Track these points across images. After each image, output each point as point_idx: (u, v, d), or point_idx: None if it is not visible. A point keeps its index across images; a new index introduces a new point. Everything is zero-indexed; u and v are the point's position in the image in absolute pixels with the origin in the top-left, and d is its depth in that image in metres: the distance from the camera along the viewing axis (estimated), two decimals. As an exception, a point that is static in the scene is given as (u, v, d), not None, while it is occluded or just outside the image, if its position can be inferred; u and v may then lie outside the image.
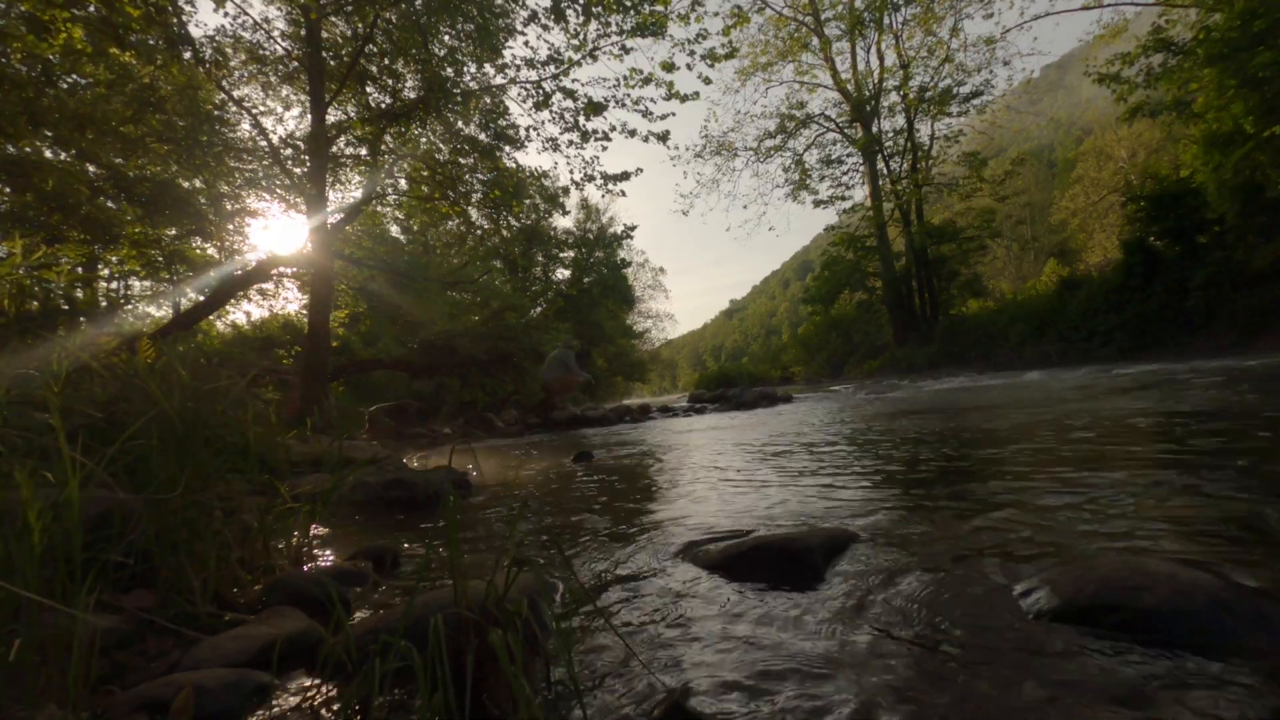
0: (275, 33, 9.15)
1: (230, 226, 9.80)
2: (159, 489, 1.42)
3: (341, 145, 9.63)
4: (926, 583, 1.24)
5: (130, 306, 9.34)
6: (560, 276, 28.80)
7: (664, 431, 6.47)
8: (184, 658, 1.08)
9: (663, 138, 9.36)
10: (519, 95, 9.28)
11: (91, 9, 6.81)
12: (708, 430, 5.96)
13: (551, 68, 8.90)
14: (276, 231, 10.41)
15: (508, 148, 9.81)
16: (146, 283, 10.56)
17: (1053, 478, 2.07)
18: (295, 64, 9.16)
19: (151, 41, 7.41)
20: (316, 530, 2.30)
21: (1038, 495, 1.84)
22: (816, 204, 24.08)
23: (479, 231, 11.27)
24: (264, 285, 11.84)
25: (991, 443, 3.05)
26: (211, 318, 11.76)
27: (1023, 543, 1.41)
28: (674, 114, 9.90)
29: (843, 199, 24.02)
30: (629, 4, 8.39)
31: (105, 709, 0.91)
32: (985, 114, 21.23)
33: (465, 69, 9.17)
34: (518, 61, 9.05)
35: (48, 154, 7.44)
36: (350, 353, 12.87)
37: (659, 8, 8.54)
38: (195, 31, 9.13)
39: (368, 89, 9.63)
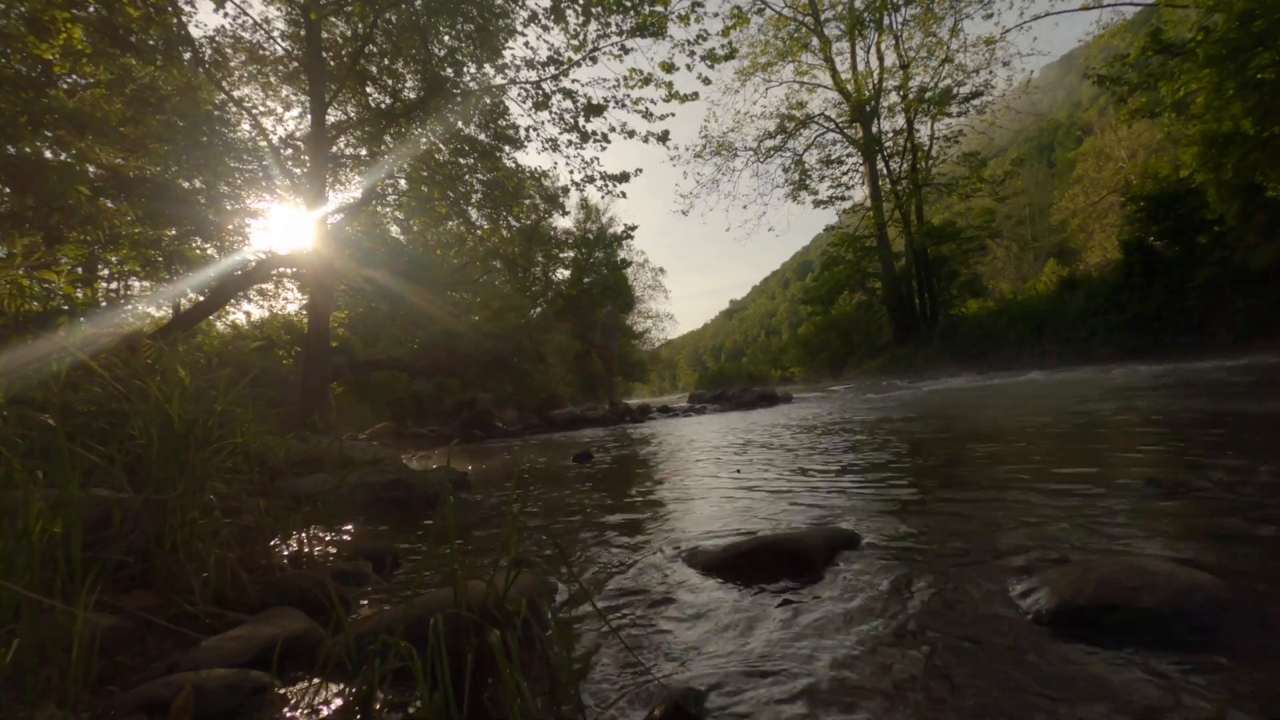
0: (275, 33, 9.16)
1: (230, 226, 9.79)
2: (158, 489, 1.42)
3: (341, 145, 9.63)
4: (926, 583, 1.24)
5: (130, 307, 9.32)
6: (560, 276, 28.77)
7: (664, 431, 6.46)
8: (184, 658, 1.08)
9: (662, 138, 9.36)
10: (519, 96, 9.28)
11: (91, 9, 6.81)
12: (708, 430, 5.96)
13: (551, 68, 8.90)
14: (276, 231, 10.41)
15: (507, 148, 9.81)
16: (146, 283, 10.55)
17: (1052, 478, 2.07)
18: (295, 64, 9.16)
19: (151, 42, 7.41)
20: (316, 530, 2.30)
21: (1037, 496, 1.84)
22: (816, 204, 24.08)
23: (479, 232, 11.26)
24: (264, 285, 11.84)
25: (991, 443, 3.05)
26: (211, 318, 11.75)
27: (1022, 543, 1.41)
28: (674, 114, 9.90)
29: (843, 199, 24.02)
30: (629, 4, 8.38)
31: (105, 709, 0.91)
32: (985, 114, 21.23)
33: (465, 69, 9.17)
34: (517, 62, 9.06)
35: (47, 154, 7.43)
36: (350, 353, 12.85)
37: (659, 8, 8.54)
38: (195, 32, 9.13)
39: (368, 89, 9.63)
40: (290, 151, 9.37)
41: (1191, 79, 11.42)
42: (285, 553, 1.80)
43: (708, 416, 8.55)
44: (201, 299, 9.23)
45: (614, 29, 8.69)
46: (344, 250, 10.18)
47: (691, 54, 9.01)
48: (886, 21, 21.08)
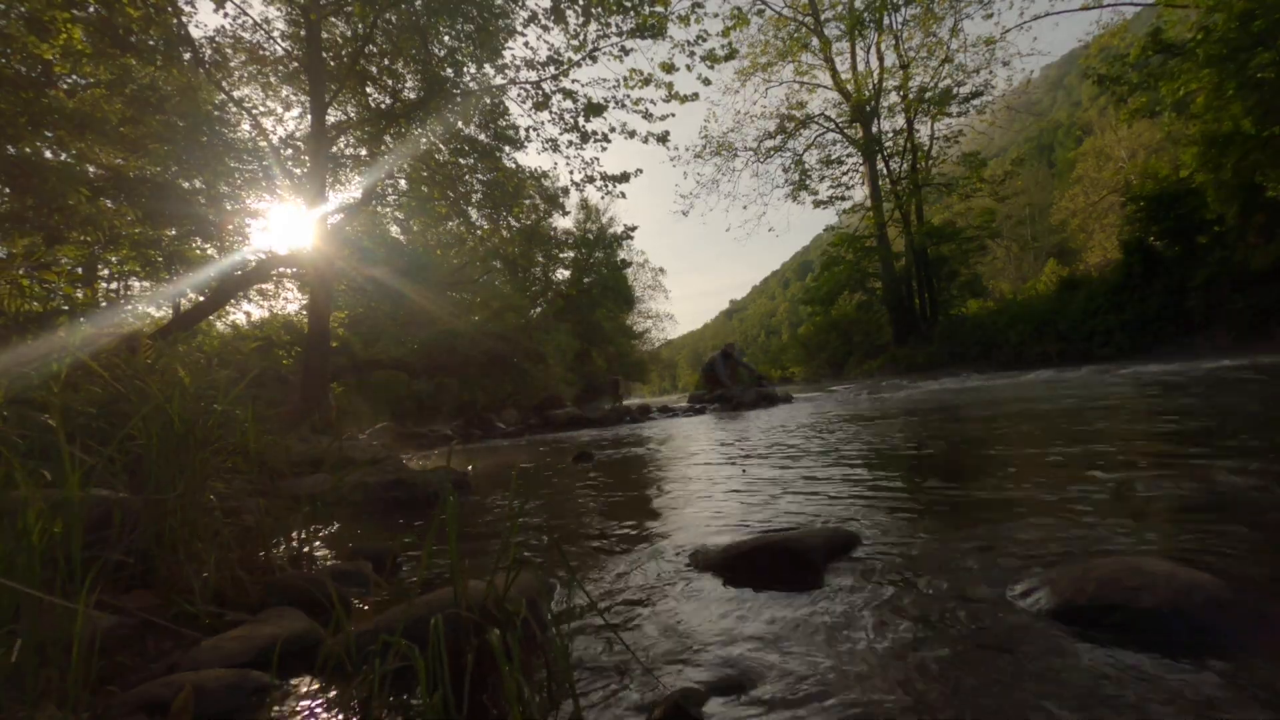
0: (275, 33, 9.17)
1: (230, 226, 9.80)
2: (158, 489, 1.42)
3: (341, 145, 9.63)
4: (926, 583, 1.24)
5: (130, 307, 9.32)
6: (560, 276, 28.79)
7: (664, 432, 6.46)
8: (184, 658, 1.08)
9: (662, 139, 9.36)
10: (519, 96, 9.29)
11: (91, 9, 6.81)
12: (707, 430, 5.96)
13: (551, 68, 8.91)
14: (276, 231, 10.42)
15: (507, 148, 9.82)
16: (146, 283, 10.56)
17: (1052, 478, 2.07)
18: (295, 64, 9.16)
19: (151, 42, 7.41)
20: (316, 530, 2.30)
21: (1037, 495, 1.84)
22: (816, 204, 24.08)
23: (479, 232, 11.27)
24: (264, 285, 11.84)
25: (991, 443, 3.05)
26: (211, 318, 11.76)
27: (1023, 542, 1.41)
28: (674, 115, 9.89)
29: (843, 199, 24.01)
30: (629, 5, 8.39)
31: (105, 709, 0.91)
32: (985, 114, 21.23)
33: (465, 69, 9.18)
34: (517, 62, 9.06)
35: (47, 154, 7.44)
36: (350, 353, 12.86)
37: (659, 9, 8.54)
38: (195, 32, 9.14)
39: (368, 89, 9.63)
40: (290, 151, 9.38)
41: (1191, 79, 11.41)
42: (285, 553, 1.79)
43: (707, 417, 8.55)
44: (201, 299, 9.24)
45: (614, 29, 8.70)
46: (344, 250, 10.19)
47: (691, 54, 9.01)
48: (886, 21, 21.08)
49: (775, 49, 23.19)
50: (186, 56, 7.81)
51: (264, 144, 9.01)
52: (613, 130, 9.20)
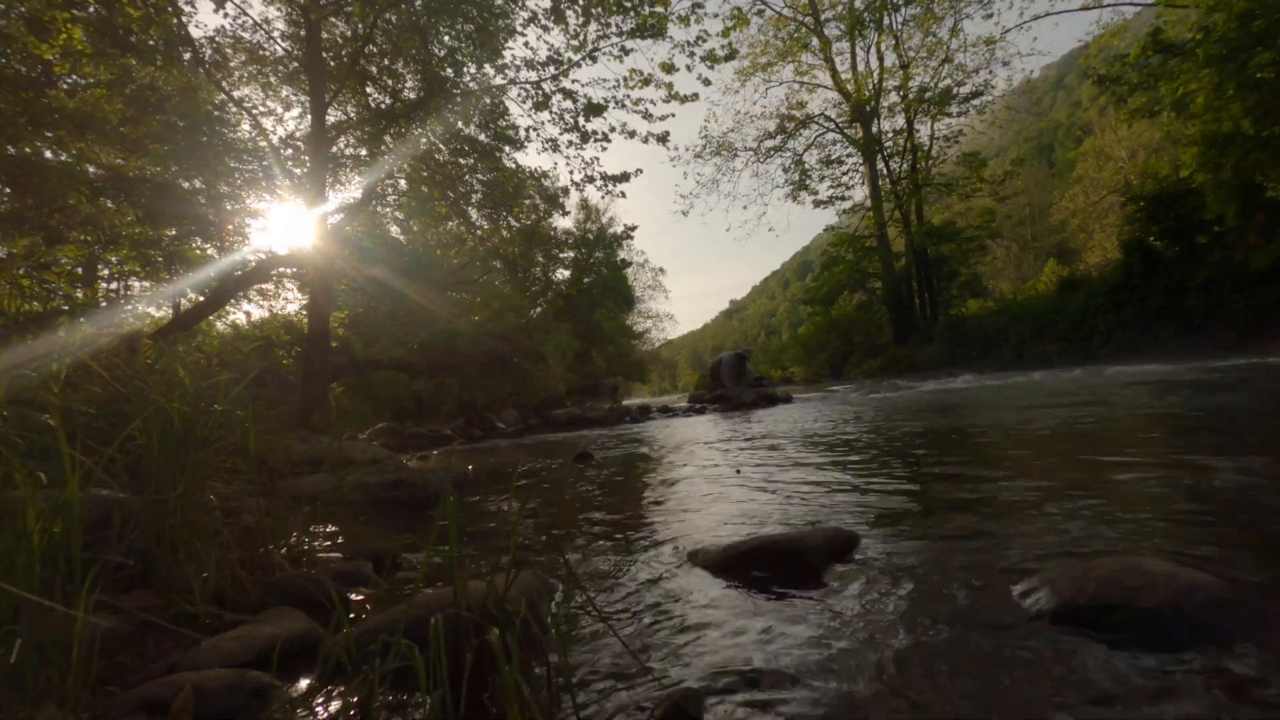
0: (275, 33, 9.16)
1: (230, 226, 9.80)
2: (158, 489, 1.42)
3: (341, 145, 9.63)
4: (926, 582, 1.24)
5: (130, 307, 9.32)
6: (560, 276, 28.76)
7: (664, 432, 6.46)
8: (184, 658, 1.08)
9: (662, 139, 9.35)
10: (519, 96, 9.28)
11: (91, 9, 6.81)
12: (707, 431, 5.96)
13: (551, 68, 8.90)
14: (276, 231, 10.42)
15: (507, 148, 9.82)
16: (146, 283, 10.56)
17: (1052, 478, 2.07)
18: (295, 64, 9.16)
19: (151, 42, 7.40)
20: (316, 530, 2.30)
21: (1037, 495, 1.84)
22: (816, 204, 24.11)
23: (479, 232, 11.26)
24: (264, 285, 11.84)
25: (991, 443, 3.05)
26: (211, 318, 11.75)
27: (1022, 543, 1.41)
28: (674, 115, 9.88)
29: (843, 199, 24.07)
30: (629, 5, 8.38)
31: (105, 709, 0.91)
32: (985, 114, 21.26)
33: (465, 69, 9.17)
34: (517, 62, 9.06)
35: (47, 154, 7.43)
36: (350, 353, 12.85)
37: (659, 9, 8.53)
38: (195, 32, 9.15)
39: (368, 89, 9.63)
40: (290, 151, 9.37)
41: (1191, 79, 11.42)
42: (285, 553, 1.79)
43: (707, 417, 8.55)
44: (201, 299, 9.23)
45: (614, 29, 8.69)
46: (344, 250, 10.18)
47: (691, 55, 9.01)
48: (886, 22, 21.10)
49: (775, 49, 23.23)
50: (186, 56, 7.80)
51: (264, 144, 9.00)
52: (613, 130, 9.20)
